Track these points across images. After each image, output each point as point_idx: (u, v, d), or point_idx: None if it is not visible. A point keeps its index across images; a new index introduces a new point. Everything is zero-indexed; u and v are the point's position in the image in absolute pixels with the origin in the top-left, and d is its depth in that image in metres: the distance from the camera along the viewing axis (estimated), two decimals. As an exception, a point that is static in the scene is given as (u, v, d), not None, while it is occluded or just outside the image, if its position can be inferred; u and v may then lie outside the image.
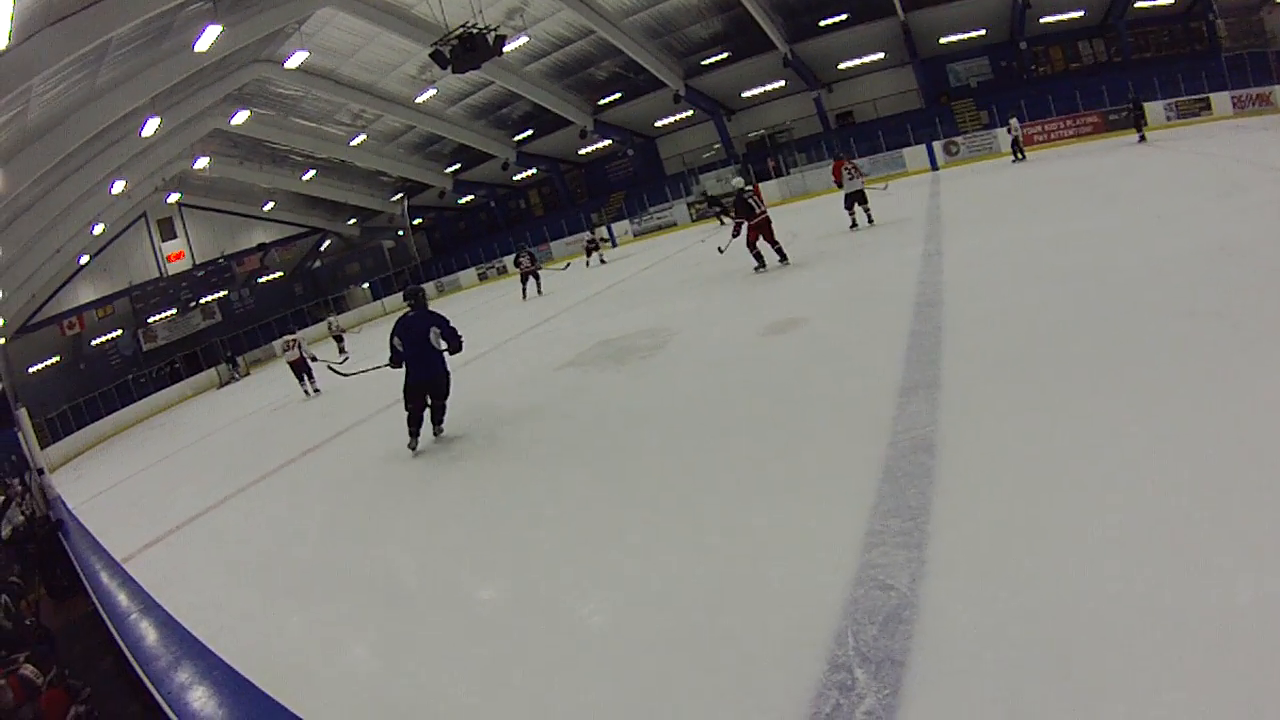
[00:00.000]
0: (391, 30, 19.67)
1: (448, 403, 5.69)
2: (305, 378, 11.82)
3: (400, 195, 34.00)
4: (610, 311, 10.28)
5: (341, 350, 16.59)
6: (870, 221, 11.31)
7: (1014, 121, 18.43)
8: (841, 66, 25.60)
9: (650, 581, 2.82)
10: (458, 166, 31.64)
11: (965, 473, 3.00)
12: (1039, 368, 4.03)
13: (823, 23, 23.15)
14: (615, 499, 3.75)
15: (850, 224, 11.41)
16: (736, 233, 9.77)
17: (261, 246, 32.56)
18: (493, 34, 14.67)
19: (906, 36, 23.76)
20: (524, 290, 16.43)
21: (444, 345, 5.42)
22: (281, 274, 33.45)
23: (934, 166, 21.23)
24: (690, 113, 27.53)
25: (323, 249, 35.97)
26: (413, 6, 19.21)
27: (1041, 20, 24.43)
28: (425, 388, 5.45)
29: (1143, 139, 17.78)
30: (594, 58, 23.96)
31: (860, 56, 25.17)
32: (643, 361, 6.49)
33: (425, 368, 5.39)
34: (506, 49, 16.97)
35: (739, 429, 4.24)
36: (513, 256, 22.16)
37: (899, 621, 2.12)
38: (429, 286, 29.61)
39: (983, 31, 24.85)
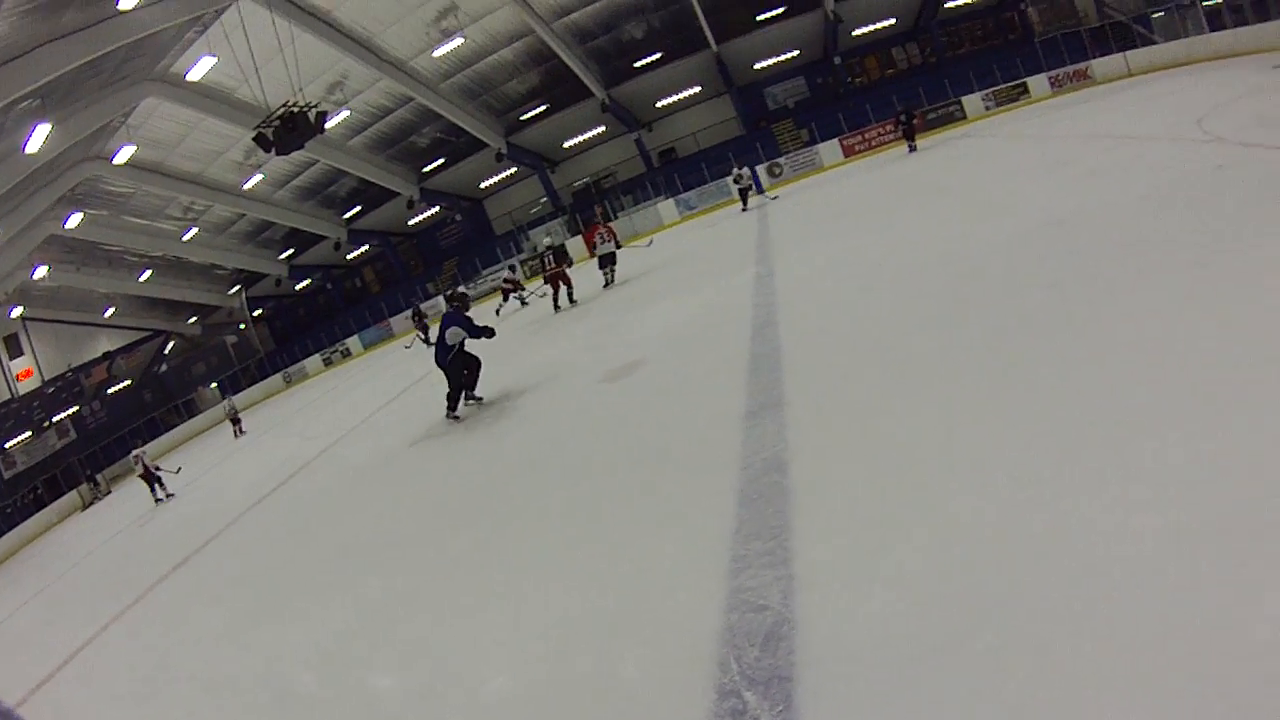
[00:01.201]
0: (215, 116, 22.01)
1: (479, 378, 8.14)
2: (155, 486, 14.01)
3: (237, 287, 35.96)
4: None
5: (238, 433, 18.89)
6: (609, 283, 13.92)
7: (744, 171, 20.52)
8: (660, 104, 28.86)
9: (525, 640, 3.10)
10: (291, 252, 34.35)
11: (819, 486, 3.39)
12: (878, 371, 4.61)
13: (637, 64, 26.34)
14: (483, 556, 4.17)
15: (604, 283, 14.02)
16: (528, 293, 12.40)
17: (107, 355, 33.73)
18: (314, 111, 16.14)
19: (721, 67, 27.13)
20: (425, 339, 18.70)
21: (456, 340, 7.77)
22: (130, 382, 34.60)
23: (759, 189, 23.93)
24: (514, 170, 30.66)
25: (167, 352, 37.36)
26: (235, 90, 21.55)
27: (854, 33, 28.03)
28: (443, 370, 7.91)
29: (913, 149, 20.29)
30: (415, 125, 26.64)
31: (677, 92, 28.48)
32: (490, 426, 7.16)
33: (442, 356, 7.82)
34: (329, 125, 19.07)
35: (597, 474, 4.70)
36: (409, 312, 24.37)
37: (778, 639, 2.38)
38: (276, 378, 31.41)
39: (796, 52, 28.39)
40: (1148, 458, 2.68)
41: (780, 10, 26.32)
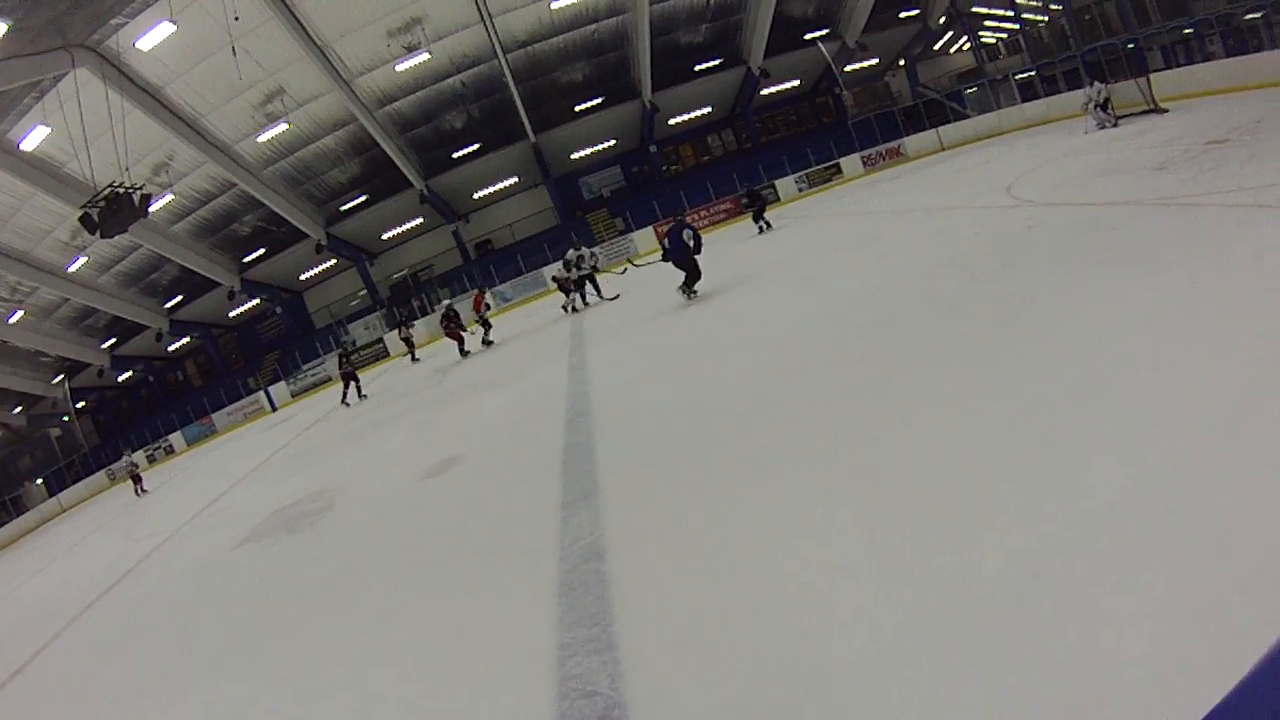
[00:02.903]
0: (45, 190, 24.99)
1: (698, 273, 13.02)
2: None
3: (61, 376, 38.84)
4: (279, 478, 12.71)
5: (139, 492, 21.09)
6: (487, 344, 19.02)
7: (585, 251, 21.70)
8: (477, 195, 35.44)
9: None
10: (114, 341, 37.95)
11: (637, 569, 4.24)
12: (685, 453, 5.70)
13: (456, 154, 32.67)
14: (316, 660, 4.76)
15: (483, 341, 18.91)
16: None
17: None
18: (139, 193, 18.15)
19: (538, 157, 33.80)
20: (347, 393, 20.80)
21: (691, 239, 12.87)
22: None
23: (599, 293, 26.34)
24: (334, 261, 35.69)
25: (-10, 443, 39.08)
26: (65, 164, 24.67)
27: (671, 121, 35.53)
28: (680, 264, 13.07)
29: (763, 228, 22.59)
30: (237, 212, 31.66)
31: (495, 183, 35.27)
32: (313, 526, 8.11)
33: (677, 253, 13.00)
34: (153, 208, 22.51)
35: (421, 573, 5.47)
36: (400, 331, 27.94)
37: (611, 723, 2.86)
38: (99, 475, 33.87)
39: (613, 142, 35.76)
40: (946, 527, 3.50)
41: (599, 100, 33.59)
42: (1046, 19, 36.69)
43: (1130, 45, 29.76)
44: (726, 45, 34.66)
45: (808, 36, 35.45)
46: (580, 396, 9.26)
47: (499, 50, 28.25)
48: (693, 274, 13.18)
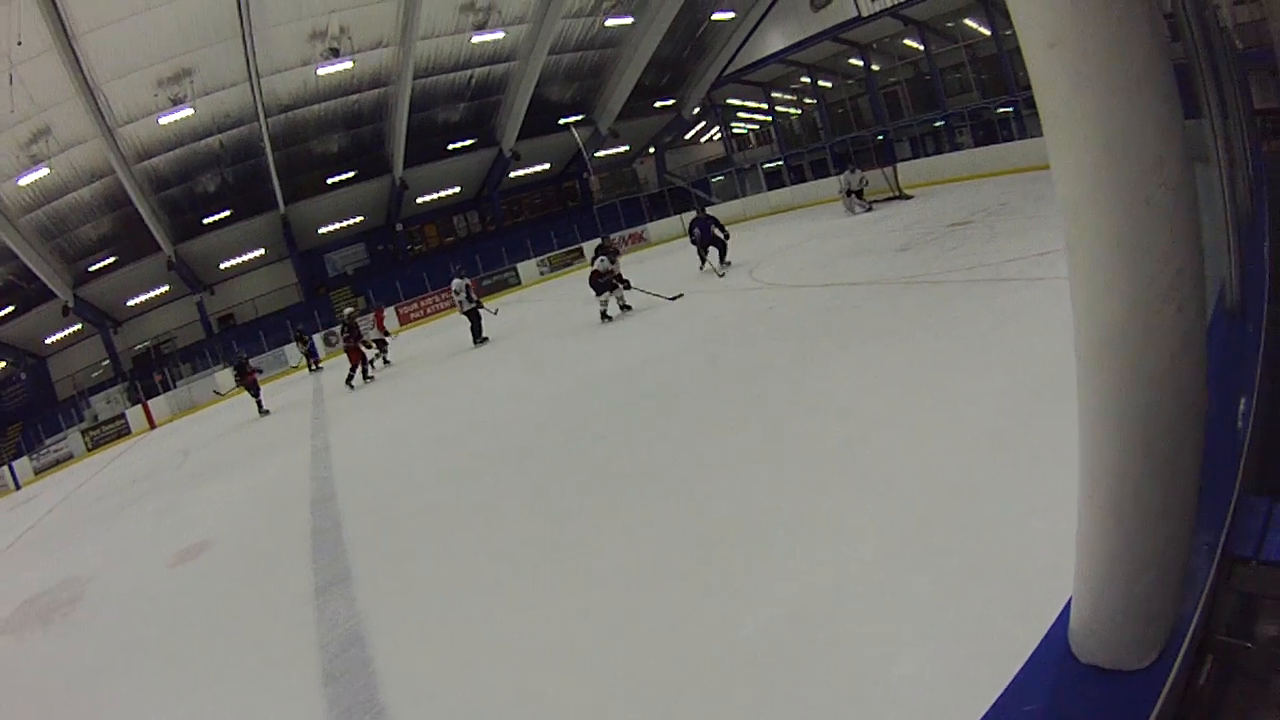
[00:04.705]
0: None
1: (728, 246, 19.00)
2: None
3: None
4: (26, 563, 13.12)
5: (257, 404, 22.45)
6: (385, 362, 22.56)
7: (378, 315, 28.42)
8: (223, 266, 38.76)
9: None
10: None
11: (399, 654, 4.95)
12: (432, 533, 6.90)
13: (207, 220, 35.96)
14: None
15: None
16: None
17: None
18: None
19: (286, 230, 38.01)
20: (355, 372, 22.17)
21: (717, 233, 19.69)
22: None
23: (316, 360, 31.80)
24: (79, 326, 37.24)
25: None
26: None
27: (419, 200, 41.27)
28: (707, 241, 19.86)
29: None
30: None
31: (242, 254, 38.82)
32: (65, 619, 8.68)
33: (705, 236, 20.03)
34: None
35: (174, 674, 6.14)
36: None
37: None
38: None
39: (360, 218, 41.05)
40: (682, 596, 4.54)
41: (351, 174, 38.57)
42: (799, 111, 45.67)
43: (880, 136, 37.14)
44: (482, 125, 40.77)
45: (562, 121, 42.25)
46: (325, 480, 10.67)
47: (261, 112, 31.66)
48: (723, 249, 20.04)
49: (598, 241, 22.64)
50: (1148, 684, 2.12)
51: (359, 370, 20.46)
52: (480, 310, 21.40)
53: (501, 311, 24.29)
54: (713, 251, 20.95)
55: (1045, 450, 4.99)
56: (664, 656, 4.26)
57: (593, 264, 18.57)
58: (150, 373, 36.25)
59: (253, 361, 24.45)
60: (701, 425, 7.77)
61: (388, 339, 25.25)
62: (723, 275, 18.63)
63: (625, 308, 18.25)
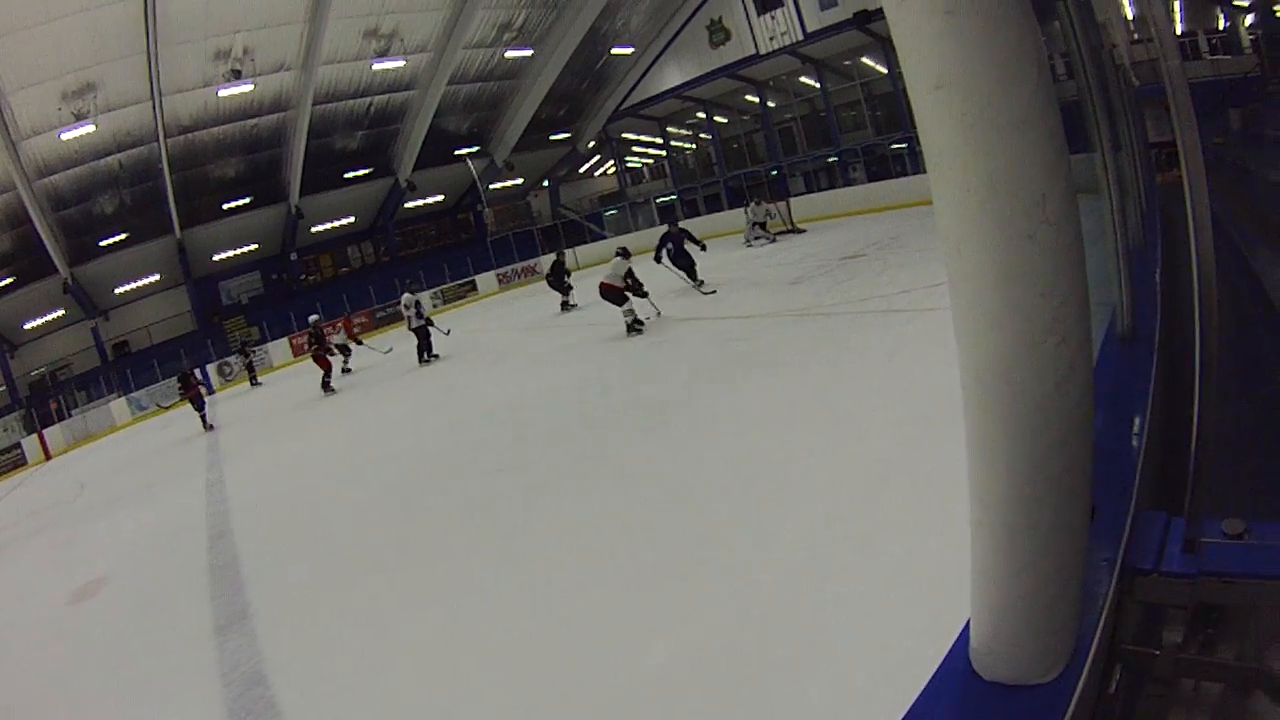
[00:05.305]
0: None
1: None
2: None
3: None
4: None
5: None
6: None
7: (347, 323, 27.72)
8: (119, 291, 38.61)
9: None
10: None
11: (304, 692, 4.98)
12: (338, 567, 6.98)
13: (104, 242, 35.80)
14: None
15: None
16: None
17: None
18: None
19: (182, 255, 38.29)
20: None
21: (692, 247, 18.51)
22: None
23: (209, 389, 31.45)
24: None
25: None
26: None
27: (314, 229, 42.18)
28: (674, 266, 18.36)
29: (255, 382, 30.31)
30: None
31: (138, 279, 38.82)
32: None
33: (679, 258, 18.65)
34: None
35: (81, 709, 6.24)
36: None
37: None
38: None
39: (255, 246, 41.49)
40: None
41: (247, 200, 38.98)
42: (694, 146, 48.15)
43: (774, 171, 39.56)
44: (379, 155, 41.99)
45: (458, 152, 43.85)
46: (220, 515, 10.73)
47: (161, 132, 32.04)
48: (691, 269, 18.69)
49: (491, 274, 21.87)
50: (1056, 695, 2.21)
51: (329, 376, 20.73)
52: (430, 329, 20.98)
53: (390, 345, 25.28)
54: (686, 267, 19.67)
55: (939, 474, 5.40)
56: (556, 691, 4.70)
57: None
58: (46, 400, 35.74)
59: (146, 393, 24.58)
60: (595, 459, 8.30)
61: (351, 347, 25.45)
62: (713, 292, 17.52)
63: (637, 327, 15.80)
